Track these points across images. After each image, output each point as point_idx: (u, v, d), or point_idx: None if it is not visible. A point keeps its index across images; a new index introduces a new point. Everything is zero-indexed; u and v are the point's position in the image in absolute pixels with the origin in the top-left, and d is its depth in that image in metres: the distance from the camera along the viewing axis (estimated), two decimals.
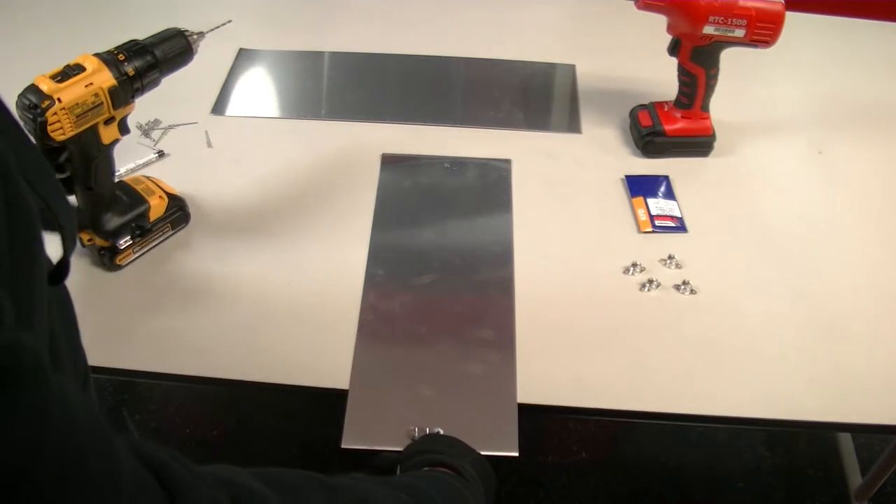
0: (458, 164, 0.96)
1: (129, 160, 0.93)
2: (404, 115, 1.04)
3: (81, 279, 0.79)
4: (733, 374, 0.74)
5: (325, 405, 0.72)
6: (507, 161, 0.97)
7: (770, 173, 0.98)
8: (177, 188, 0.86)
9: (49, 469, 0.24)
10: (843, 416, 0.71)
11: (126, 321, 0.76)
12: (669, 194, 0.92)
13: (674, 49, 0.93)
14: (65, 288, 0.43)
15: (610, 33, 1.23)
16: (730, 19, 0.87)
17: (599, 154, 0.99)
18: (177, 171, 0.93)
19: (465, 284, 0.81)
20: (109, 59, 0.71)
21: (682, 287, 0.81)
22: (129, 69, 0.71)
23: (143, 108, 0.99)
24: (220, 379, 0.72)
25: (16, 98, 0.66)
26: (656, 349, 0.76)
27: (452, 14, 1.25)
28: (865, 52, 1.23)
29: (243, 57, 1.13)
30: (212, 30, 0.79)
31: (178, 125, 0.99)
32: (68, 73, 0.68)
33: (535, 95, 1.11)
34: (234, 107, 1.04)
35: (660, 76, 0.99)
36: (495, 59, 1.15)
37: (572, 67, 1.15)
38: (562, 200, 0.92)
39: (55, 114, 0.66)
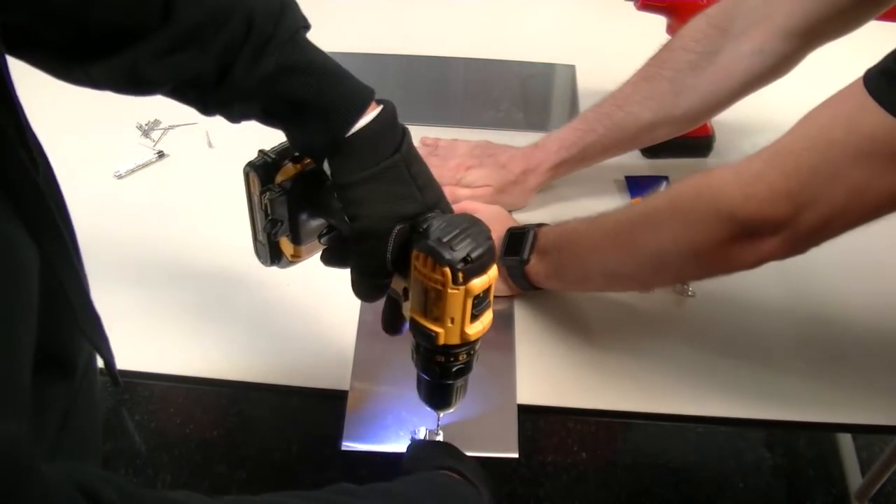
0: None
1: (128, 160, 0.93)
2: (405, 115, 1.03)
3: None
4: (734, 375, 0.74)
5: (325, 405, 0.72)
6: None
7: None
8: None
9: None
10: (843, 416, 0.71)
11: (126, 321, 0.76)
12: None
13: None
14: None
15: (610, 33, 1.22)
16: None
17: None
18: (177, 172, 0.93)
19: None
20: None
21: (682, 287, 0.81)
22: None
23: (143, 108, 1.00)
24: (220, 379, 0.72)
25: None
26: (656, 349, 0.76)
27: (452, 14, 1.25)
28: (865, 52, 1.22)
29: None
30: None
31: (178, 125, 0.99)
32: None
33: (534, 95, 1.11)
34: None
35: None
36: (495, 59, 1.15)
37: (572, 67, 1.14)
38: (562, 201, 0.92)
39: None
